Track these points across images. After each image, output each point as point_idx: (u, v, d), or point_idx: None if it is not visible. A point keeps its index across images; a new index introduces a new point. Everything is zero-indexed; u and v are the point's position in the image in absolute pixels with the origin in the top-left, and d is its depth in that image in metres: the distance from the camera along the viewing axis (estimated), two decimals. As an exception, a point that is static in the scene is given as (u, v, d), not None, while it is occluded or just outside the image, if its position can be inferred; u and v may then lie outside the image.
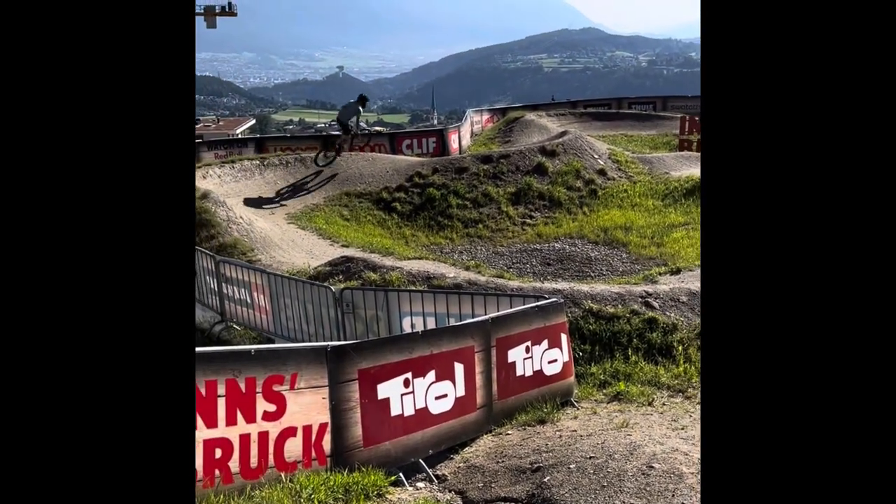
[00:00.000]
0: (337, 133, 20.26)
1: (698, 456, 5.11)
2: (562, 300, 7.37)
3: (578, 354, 8.23)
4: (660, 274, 11.75)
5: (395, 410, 5.44)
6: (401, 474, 5.33)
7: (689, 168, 20.28)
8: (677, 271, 11.85)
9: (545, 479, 4.86)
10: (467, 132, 28.12)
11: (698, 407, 7.07)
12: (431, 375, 5.71)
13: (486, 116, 33.04)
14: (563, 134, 22.15)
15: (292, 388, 4.92)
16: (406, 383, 5.52)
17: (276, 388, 4.83)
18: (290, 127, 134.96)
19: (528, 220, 17.07)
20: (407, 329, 8.02)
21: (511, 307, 7.15)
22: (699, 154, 22.83)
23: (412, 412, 5.55)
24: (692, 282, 10.40)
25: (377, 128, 29.73)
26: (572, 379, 7.26)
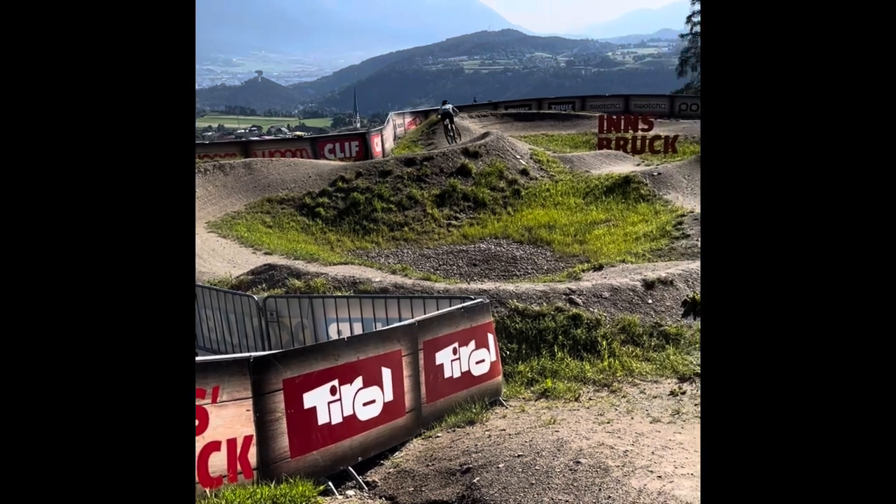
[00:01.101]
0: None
1: (623, 449, 5.20)
2: (487, 300, 7.41)
3: (506, 353, 8.30)
4: (583, 271, 11.96)
5: (322, 419, 5.36)
6: (330, 483, 5.25)
7: (608, 166, 20.74)
8: (600, 268, 12.09)
9: (475, 480, 4.87)
10: (390, 135, 28.05)
11: (623, 400, 7.22)
12: (358, 382, 5.65)
13: (408, 119, 33.03)
14: (486, 135, 22.32)
15: (214, 401, 4.79)
16: (333, 391, 5.44)
17: (197, 402, 4.70)
18: (209, 133, 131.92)
19: (454, 222, 17.13)
20: (333, 336, 7.93)
21: (438, 309, 7.14)
22: (618, 152, 23.39)
23: (340, 420, 5.48)
24: (614, 277, 10.62)
25: (297, 132, 29.65)
26: (500, 378, 7.31)
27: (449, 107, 25.82)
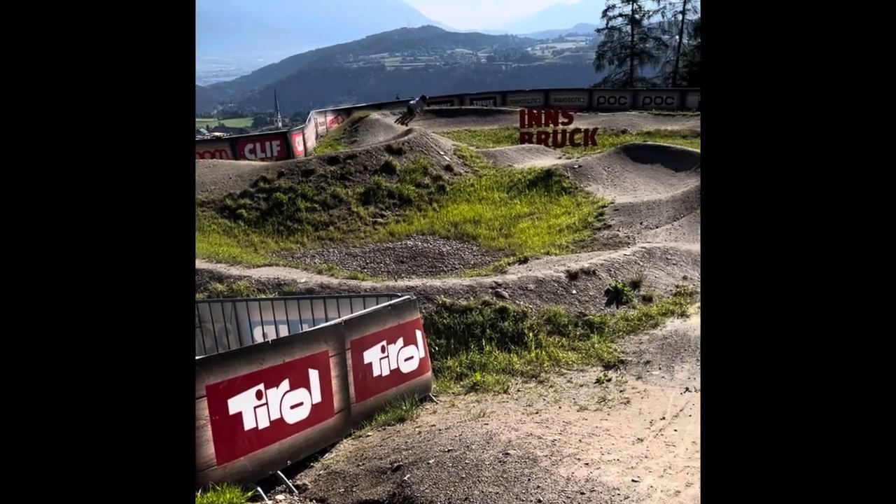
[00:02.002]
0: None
1: (551, 438, 5.28)
2: (414, 297, 7.41)
3: (434, 349, 8.31)
4: (509, 264, 12.09)
5: (248, 424, 5.26)
6: (259, 489, 5.16)
7: (531, 160, 20.98)
8: (525, 260, 12.24)
9: (405, 478, 4.86)
10: (312, 134, 27.71)
11: (551, 390, 7.32)
12: (285, 385, 5.57)
13: (330, 117, 32.69)
14: (409, 132, 22.29)
15: (135, 412, 4.64)
16: (259, 395, 5.35)
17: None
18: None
19: (380, 220, 17.05)
20: (259, 339, 7.79)
21: (365, 308, 7.10)
22: (540, 146, 23.69)
23: (267, 424, 5.39)
24: (539, 269, 10.77)
25: (216, 133, 29.47)
26: (429, 374, 7.32)
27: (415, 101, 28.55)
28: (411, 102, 30.15)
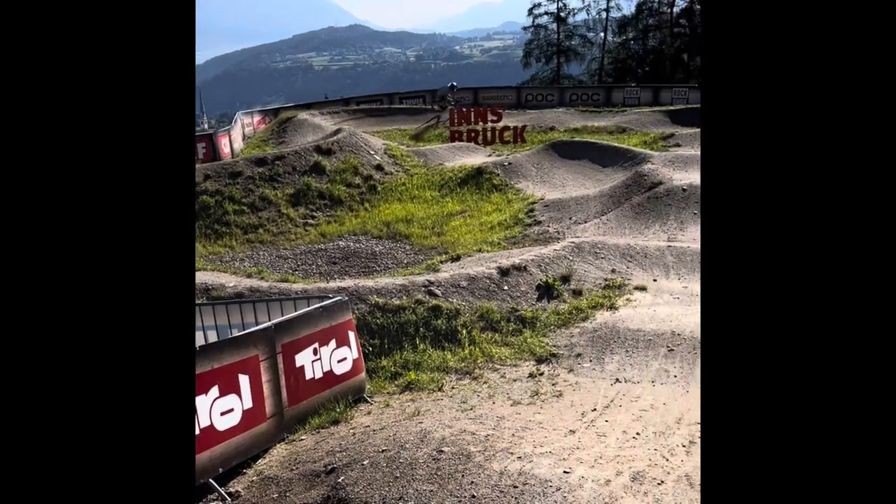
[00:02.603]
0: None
1: (485, 434, 5.33)
2: (346, 298, 7.36)
3: (368, 350, 8.28)
4: (441, 262, 12.13)
5: (177, 433, 5.14)
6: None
7: (461, 158, 21.08)
8: (457, 258, 12.30)
9: (339, 480, 4.83)
10: (238, 135, 27.20)
11: (485, 386, 7.38)
12: (214, 391, 5.47)
13: (257, 118, 32.16)
14: (338, 132, 22.14)
15: (56, 426, 4.49)
16: (187, 403, 5.23)
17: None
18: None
19: (311, 221, 16.88)
20: (187, 346, 7.62)
21: (296, 311, 7.02)
22: (470, 144, 23.83)
23: (197, 432, 5.28)
24: (471, 267, 10.84)
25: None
26: (363, 375, 7.28)
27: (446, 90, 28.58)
28: (441, 90, 29.95)
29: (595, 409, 6.42)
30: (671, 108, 29.85)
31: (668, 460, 5.16)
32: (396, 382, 7.71)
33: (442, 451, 4.95)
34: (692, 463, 5.15)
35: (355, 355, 7.07)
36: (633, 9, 53.55)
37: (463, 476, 4.55)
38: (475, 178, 18.37)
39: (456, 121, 26.67)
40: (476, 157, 21.12)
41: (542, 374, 7.70)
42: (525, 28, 56.63)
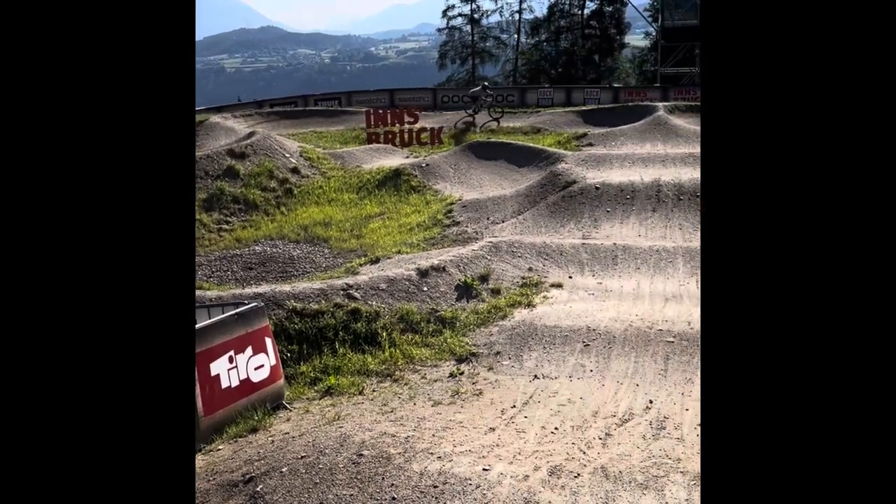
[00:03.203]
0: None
1: (405, 435, 5.33)
2: (262, 304, 7.24)
3: (286, 355, 8.16)
4: (360, 265, 12.07)
5: (86, 450, 4.96)
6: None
7: (379, 160, 21.01)
8: (376, 260, 12.26)
9: (258, 489, 4.76)
10: (149, 140, 26.37)
11: (406, 387, 7.38)
12: (125, 404, 5.29)
13: (168, 122, 31.22)
14: (252, 135, 21.70)
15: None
16: (96, 418, 5.05)
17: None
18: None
19: (225, 226, 16.51)
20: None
21: (210, 318, 6.86)
22: (387, 145, 23.77)
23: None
24: (391, 269, 10.82)
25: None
26: (282, 381, 7.18)
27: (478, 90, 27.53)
28: (473, 91, 28.59)
29: (514, 406, 6.51)
30: (584, 108, 30.45)
31: (584, 453, 5.28)
32: (316, 388, 7.63)
33: (362, 454, 4.93)
34: (608, 455, 5.29)
35: (273, 362, 6.97)
36: (545, 11, 54.53)
37: (383, 479, 4.55)
38: (393, 180, 18.34)
39: (372, 122, 26.56)
40: (393, 159, 21.09)
41: (462, 373, 7.75)
42: (439, 30, 56.91)
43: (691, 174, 14.93)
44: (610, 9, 51.79)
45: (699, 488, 4.80)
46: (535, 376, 7.49)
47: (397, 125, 26.10)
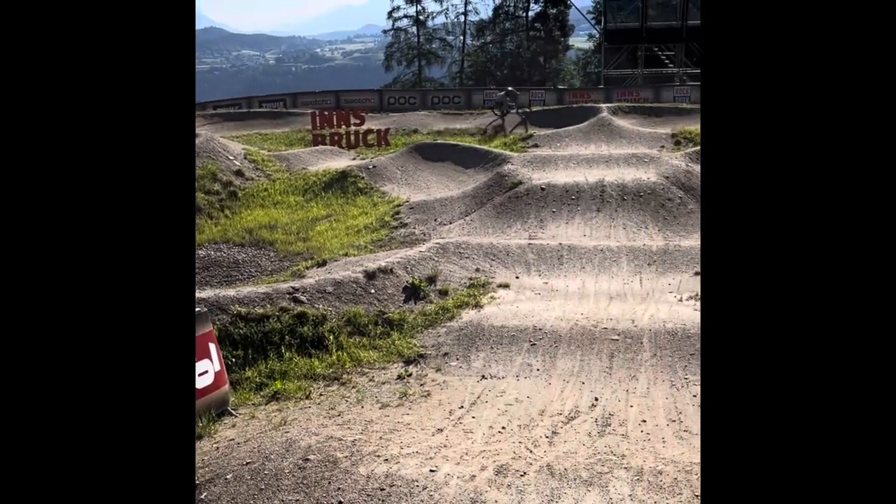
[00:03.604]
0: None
1: (352, 439, 5.31)
2: (206, 309, 7.12)
3: (231, 361, 8.04)
4: (307, 268, 11.96)
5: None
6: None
7: (325, 161, 20.88)
8: (323, 263, 12.17)
9: (202, 496, 4.68)
10: (88, 142, 25.74)
11: (353, 391, 7.34)
12: (63, 415, 5.15)
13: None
14: (195, 136, 21.36)
15: None
16: (32, 430, 4.91)
17: None
18: None
19: (167, 231, 16.22)
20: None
21: (151, 325, 6.72)
22: (333, 147, 23.63)
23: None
24: (338, 271, 10.75)
25: None
26: (227, 388, 7.07)
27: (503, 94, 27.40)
28: (498, 97, 28.26)
29: (462, 407, 6.53)
30: (529, 109, 30.78)
31: (531, 452, 5.33)
32: (262, 393, 7.54)
33: (308, 459, 4.89)
34: (554, 453, 5.35)
35: (217, 368, 6.85)
36: (490, 13, 54.90)
37: (329, 483, 4.52)
38: (340, 182, 18.25)
39: (318, 124, 26.36)
40: (340, 161, 20.98)
41: (410, 375, 7.74)
42: (385, 31, 56.84)
43: (634, 174, 15.20)
44: (554, 11, 52.39)
45: (642, 483, 4.89)
46: (483, 376, 7.52)
47: (343, 127, 25.97)
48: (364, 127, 26.10)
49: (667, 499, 4.72)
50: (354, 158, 21.74)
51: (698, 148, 17.66)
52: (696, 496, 4.73)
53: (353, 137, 25.32)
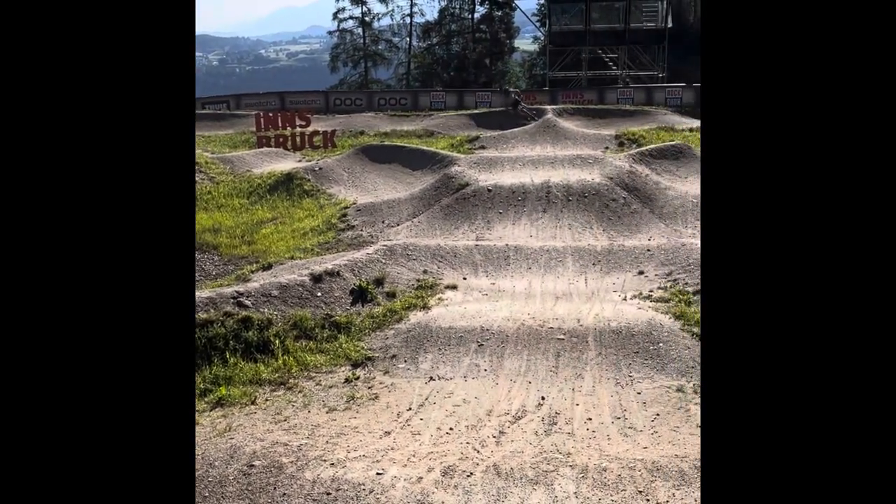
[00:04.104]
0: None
1: (298, 444, 5.26)
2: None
3: (174, 368, 7.89)
4: (252, 272, 11.81)
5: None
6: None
7: (270, 164, 20.65)
8: (269, 267, 12.02)
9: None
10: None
11: (300, 395, 7.28)
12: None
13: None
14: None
15: None
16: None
17: None
18: None
19: (108, 235, 15.85)
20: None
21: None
22: (279, 149, 23.37)
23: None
24: (283, 275, 10.64)
25: None
26: (169, 395, 6.93)
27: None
28: (508, 100, 29.04)
29: (410, 409, 6.53)
30: (476, 111, 30.87)
31: (478, 452, 5.35)
32: (206, 399, 7.41)
33: (253, 465, 4.83)
34: (501, 453, 5.38)
35: (160, 375, 6.72)
36: (435, 15, 54.96)
37: (275, 488, 4.47)
38: (285, 184, 18.05)
39: (263, 126, 26.05)
40: (285, 163, 20.77)
41: (358, 378, 7.71)
42: (330, 32, 56.44)
43: (579, 175, 15.39)
44: (499, 13, 52.69)
45: (587, 480, 4.96)
46: (431, 378, 7.53)
47: (289, 128, 25.71)
48: (310, 129, 25.87)
49: (611, 495, 4.79)
50: (300, 160, 21.54)
51: (642, 149, 17.99)
52: (640, 492, 4.82)
53: (298, 139, 25.07)
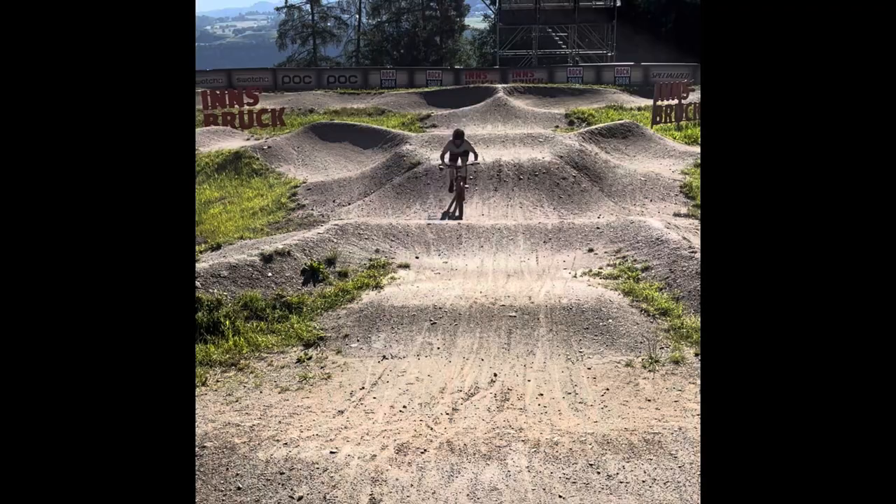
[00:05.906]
0: None
1: (250, 424, 5.23)
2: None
3: (122, 350, 7.75)
4: (200, 252, 11.62)
5: None
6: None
7: (217, 142, 20.30)
8: (217, 247, 11.85)
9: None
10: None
11: (251, 376, 7.22)
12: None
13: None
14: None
15: None
16: None
17: None
18: None
19: (49, 216, 15.43)
20: None
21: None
22: (226, 127, 22.96)
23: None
24: (233, 255, 10.49)
25: None
26: (117, 377, 6.82)
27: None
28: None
29: (363, 388, 6.53)
30: (426, 89, 30.80)
31: (432, 429, 5.39)
32: (156, 382, 7.31)
33: (205, 446, 4.78)
34: (454, 429, 5.43)
35: (106, 357, 6.60)
36: (385, -9, 54.42)
37: (227, 469, 4.44)
38: (233, 163, 17.79)
39: (209, 104, 25.55)
40: (233, 142, 20.45)
41: (310, 358, 7.67)
42: (278, 9, 55.52)
43: (530, 154, 15.48)
44: (449, -9, 52.46)
45: (539, 455, 5.04)
46: (384, 357, 7.54)
47: (236, 106, 25.23)
48: (258, 106, 25.45)
49: (562, 468, 4.88)
50: (248, 139, 21.23)
51: (592, 128, 18.15)
52: (590, 465, 4.92)
53: (246, 117, 24.65)
